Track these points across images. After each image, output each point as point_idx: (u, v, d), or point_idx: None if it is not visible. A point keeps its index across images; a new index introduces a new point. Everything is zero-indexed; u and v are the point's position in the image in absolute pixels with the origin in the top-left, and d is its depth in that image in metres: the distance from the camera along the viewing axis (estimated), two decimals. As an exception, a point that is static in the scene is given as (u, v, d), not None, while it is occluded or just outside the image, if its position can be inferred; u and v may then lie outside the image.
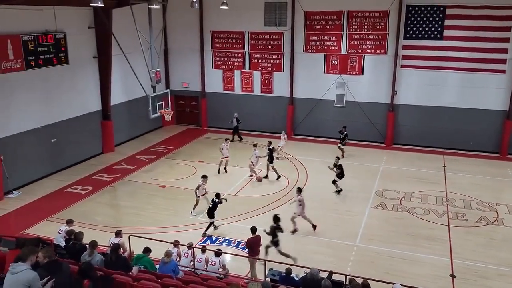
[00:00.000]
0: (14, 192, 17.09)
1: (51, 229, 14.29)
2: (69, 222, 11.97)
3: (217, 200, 14.16)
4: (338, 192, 17.36)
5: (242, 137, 24.38)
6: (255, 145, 19.41)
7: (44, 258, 6.76)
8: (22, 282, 6.20)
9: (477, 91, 21.96)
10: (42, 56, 17.89)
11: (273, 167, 18.83)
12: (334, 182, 17.40)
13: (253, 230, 11.88)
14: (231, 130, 24.35)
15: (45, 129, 18.73)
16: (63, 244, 10.76)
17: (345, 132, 21.56)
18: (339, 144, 21.67)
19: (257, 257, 11.72)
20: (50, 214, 15.52)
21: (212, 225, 14.24)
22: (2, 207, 15.98)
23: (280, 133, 22.00)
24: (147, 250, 10.17)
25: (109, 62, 21.14)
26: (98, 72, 21.34)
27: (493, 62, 21.41)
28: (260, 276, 10.83)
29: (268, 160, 18.86)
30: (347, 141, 21.88)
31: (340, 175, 17.38)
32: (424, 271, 12.22)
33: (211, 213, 14.13)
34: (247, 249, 12.10)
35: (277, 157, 20.56)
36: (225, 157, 19.30)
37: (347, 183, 18.43)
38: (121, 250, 11.07)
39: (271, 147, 18.96)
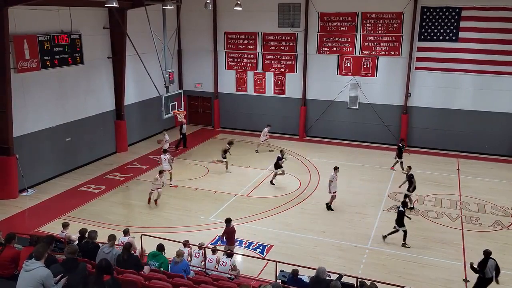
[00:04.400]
0: (28, 190, 17.31)
1: (65, 227, 14.48)
2: (65, 226, 12.02)
3: (402, 208, 13.66)
4: (410, 208, 15.65)
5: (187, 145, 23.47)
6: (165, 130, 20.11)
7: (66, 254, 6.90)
8: (36, 279, 6.26)
9: (493, 94, 21.67)
10: (57, 56, 18.11)
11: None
12: (406, 196, 15.74)
13: (228, 221, 12.16)
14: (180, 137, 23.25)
15: (60, 128, 18.96)
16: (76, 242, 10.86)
17: (402, 144, 20.28)
18: (397, 159, 20.04)
19: (234, 247, 12.22)
20: (63, 212, 15.68)
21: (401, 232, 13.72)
22: (17, 205, 16.21)
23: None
24: (161, 248, 10.18)
25: (123, 62, 21.35)
26: (112, 72, 21.55)
27: (509, 65, 21.11)
28: (271, 277, 10.81)
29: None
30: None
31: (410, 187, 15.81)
32: (437, 275, 12.09)
33: (400, 222, 13.64)
34: (224, 240, 12.36)
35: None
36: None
37: (359, 185, 18.36)
38: (132, 249, 11.15)
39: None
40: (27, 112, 17.30)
